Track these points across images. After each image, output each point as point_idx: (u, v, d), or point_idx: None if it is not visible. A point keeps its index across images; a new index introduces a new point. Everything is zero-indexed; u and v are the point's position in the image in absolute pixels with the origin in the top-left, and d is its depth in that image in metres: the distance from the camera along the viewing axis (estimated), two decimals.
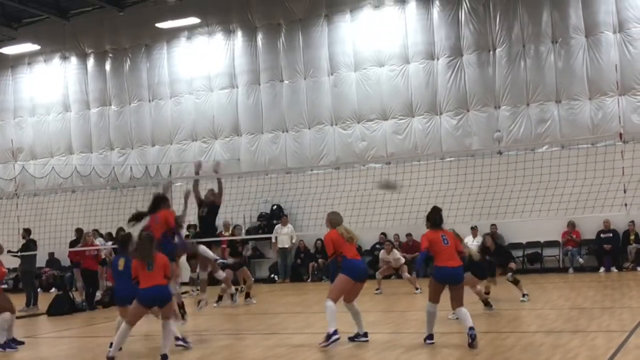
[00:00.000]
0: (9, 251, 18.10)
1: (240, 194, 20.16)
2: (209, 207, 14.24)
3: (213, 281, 16.68)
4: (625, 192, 15.66)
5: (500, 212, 17.36)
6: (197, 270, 15.14)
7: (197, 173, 14.93)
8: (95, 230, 22.32)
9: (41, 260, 24.71)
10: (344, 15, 24.77)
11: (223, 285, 16.83)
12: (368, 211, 18.25)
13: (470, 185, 18.01)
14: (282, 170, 24.43)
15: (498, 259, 15.14)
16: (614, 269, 21.05)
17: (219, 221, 18.36)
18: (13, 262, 21.27)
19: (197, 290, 17.07)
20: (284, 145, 25.28)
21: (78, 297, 19.20)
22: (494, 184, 17.51)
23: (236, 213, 21.21)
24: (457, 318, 11.10)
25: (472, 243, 20.31)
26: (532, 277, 19.52)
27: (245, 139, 25.84)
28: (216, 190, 14.36)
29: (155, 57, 27.20)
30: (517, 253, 21.61)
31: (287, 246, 24.12)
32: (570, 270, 21.62)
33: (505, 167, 18.49)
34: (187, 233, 18.35)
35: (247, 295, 17.77)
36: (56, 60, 28.80)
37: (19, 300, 16.93)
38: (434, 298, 10.62)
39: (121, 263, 11.17)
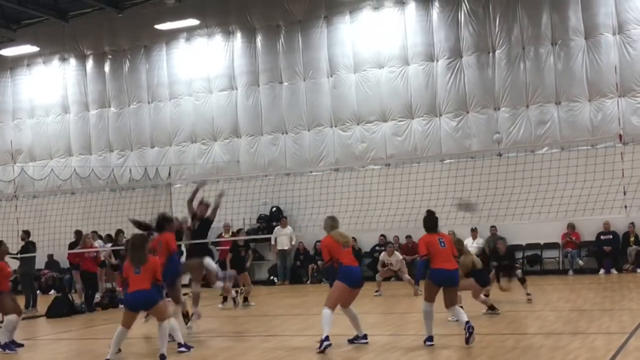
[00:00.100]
0: (8, 253, 18.05)
1: (240, 196, 20.14)
2: (201, 221, 14.29)
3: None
4: (625, 194, 15.65)
5: (500, 214, 17.35)
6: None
7: (197, 190, 14.81)
8: (95, 232, 22.29)
9: (40, 262, 24.70)
10: (344, 16, 24.76)
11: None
12: (368, 213, 18.26)
13: (469, 187, 17.97)
14: (281, 172, 24.41)
15: (510, 261, 15.32)
16: (613, 271, 21.04)
17: (219, 223, 18.39)
18: (12, 264, 21.06)
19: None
20: (283, 146, 25.26)
21: (77, 299, 19.17)
22: (493, 186, 17.47)
23: (236, 215, 21.20)
24: (456, 320, 11.10)
25: (472, 245, 20.32)
26: (531, 279, 19.30)
27: (245, 141, 25.82)
28: (211, 206, 14.47)
29: (155, 59, 27.18)
30: (517, 255, 21.54)
31: (286, 248, 24.07)
32: (570, 272, 21.60)
33: (505, 169, 18.48)
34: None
35: (245, 300, 17.77)
36: (55, 62, 28.78)
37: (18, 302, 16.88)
38: (429, 297, 10.68)
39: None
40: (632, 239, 21.21)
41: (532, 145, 21.83)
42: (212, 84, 26.36)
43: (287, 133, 25.26)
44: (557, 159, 18.06)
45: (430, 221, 10.98)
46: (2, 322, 13.09)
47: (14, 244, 20.30)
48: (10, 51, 28.55)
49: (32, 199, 26.90)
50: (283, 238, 23.79)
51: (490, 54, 23.08)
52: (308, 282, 23.68)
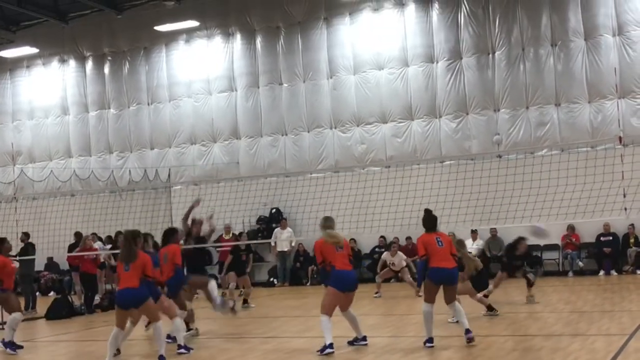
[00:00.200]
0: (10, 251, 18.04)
1: (239, 198, 20.12)
2: (196, 240, 14.36)
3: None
4: (625, 195, 15.62)
5: (500, 216, 17.34)
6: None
7: (191, 208, 14.82)
8: (94, 234, 22.27)
9: (40, 264, 24.70)
10: (343, 18, 24.75)
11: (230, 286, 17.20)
12: (367, 215, 18.24)
13: (469, 188, 17.98)
14: (281, 173, 24.41)
15: (530, 261, 15.37)
16: (613, 272, 21.03)
17: (219, 225, 18.38)
18: None
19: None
20: (283, 148, 25.24)
21: (77, 300, 19.15)
22: (493, 188, 17.47)
23: (235, 217, 21.21)
24: (457, 321, 11.09)
25: (472, 246, 20.30)
26: None
27: (245, 142, 25.80)
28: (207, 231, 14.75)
29: (154, 60, 27.17)
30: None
31: (286, 250, 24.07)
32: (570, 273, 21.60)
33: (505, 171, 18.46)
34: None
35: (245, 302, 17.78)
36: (55, 64, 28.77)
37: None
38: (429, 298, 10.67)
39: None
40: (632, 240, 21.20)
41: (531, 147, 21.83)
42: (212, 86, 26.34)
43: (286, 134, 25.24)
44: (557, 161, 18.06)
45: (429, 220, 10.98)
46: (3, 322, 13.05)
47: (14, 246, 20.27)
48: (9, 53, 28.54)
49: (31, 201, 26.84)
50: (283, 240, 23.77)
51: (490, 56, 23.07)
52: (308, 284, 23.65)
